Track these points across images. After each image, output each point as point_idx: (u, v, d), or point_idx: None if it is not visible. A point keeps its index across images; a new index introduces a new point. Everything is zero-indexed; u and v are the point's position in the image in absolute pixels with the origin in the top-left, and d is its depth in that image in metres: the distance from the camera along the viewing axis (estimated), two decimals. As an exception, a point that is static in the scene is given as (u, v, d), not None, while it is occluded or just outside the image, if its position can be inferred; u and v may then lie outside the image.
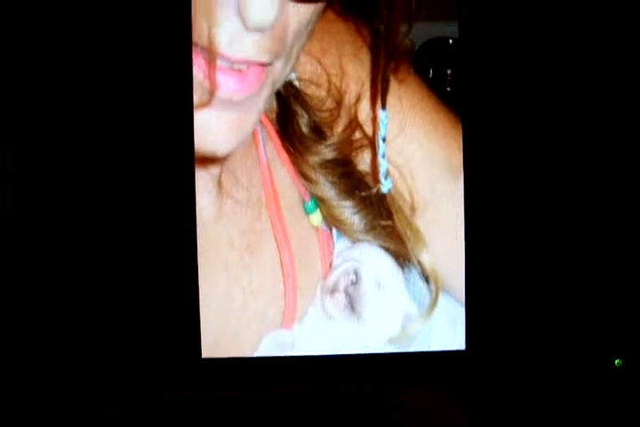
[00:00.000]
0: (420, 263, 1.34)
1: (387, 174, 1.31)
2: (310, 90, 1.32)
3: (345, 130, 1.32)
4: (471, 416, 1.33)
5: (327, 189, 1.32)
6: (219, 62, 1.23)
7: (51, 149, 1.32)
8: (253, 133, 1.30)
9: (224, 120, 1.26)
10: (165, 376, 1.33)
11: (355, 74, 1.33)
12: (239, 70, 1.23)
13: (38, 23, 1.31)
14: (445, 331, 1.36)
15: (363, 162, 1.34)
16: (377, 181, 1.32)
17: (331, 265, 1.34)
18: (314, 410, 1.33)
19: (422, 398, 1.36)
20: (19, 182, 1.32)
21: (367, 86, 1.33)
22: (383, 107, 1.31)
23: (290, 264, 1.32)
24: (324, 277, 1.33)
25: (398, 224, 1.33)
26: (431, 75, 1.36)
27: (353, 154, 1.33)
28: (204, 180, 1.30)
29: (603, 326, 1.36)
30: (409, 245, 1.34)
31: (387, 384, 1.36)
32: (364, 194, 1.33)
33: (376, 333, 1.35)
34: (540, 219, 1.35)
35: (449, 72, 1.36)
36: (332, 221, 1.33)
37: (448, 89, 1.36)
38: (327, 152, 1.32)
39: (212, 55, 1.23)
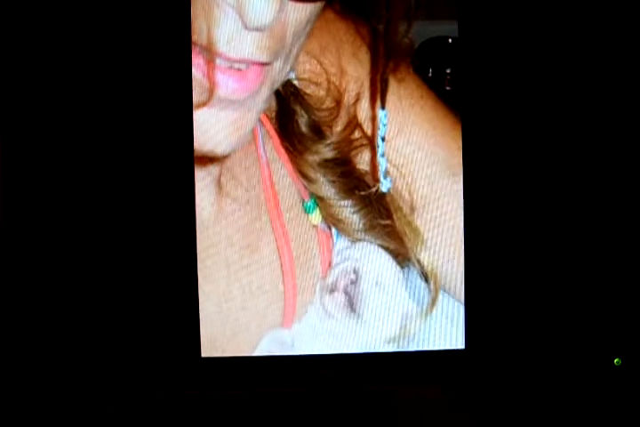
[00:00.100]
0: (419, 262, 1.33)
1: (386, 174, 1.30)
2: (310, 89, 1.31)
3: (344, 129, 1.31)
4: (470, 416, 1.32)
5: (326, 189, 1.31)
6: (218, 62, 1.22)
7: (50, 149, 1.31)
8: (253, 133, 1.29)
9: (223, 119, 1.25)
10: (165, 375, 1.32)
11: (354, 73, 1.32)
12: (238, 70, 1.22)
13: (37, 23, 1.30)
14: (445, 330, 1.35)
15: (362, 161, 1.32)
16: (376, 180, 1.31)
17: (330, 264, 1.33)
18: (313, 409, 1.31)
19: (421, 397, 1.35)
20: (18, 182, 1.31)
21: (366, 86, 1.32)
22: (382, 106, 1.30)
23: (289, 263, 1.30)
24: (324, 277, 1.32)
25: (398, 223, 1.32)
26: (430, 74, 1.34)
27: (352, 153, 1.32)
28: (203, 179, 1.28)
29: (602, 325, 1.35)
30: (408, 245, 1.32)
31: (386, 383, 1.34)
32: (363, 193, 1.31)
33: (375, 332, 1.34)
34: (540, 218, 1.34)
35: (448, 71, 1.35)
36: (331, 220, 1.32)
37: (447, 88, 1.35)
38: (326, 151, 1.31)
39: (211, 55, 1.22)
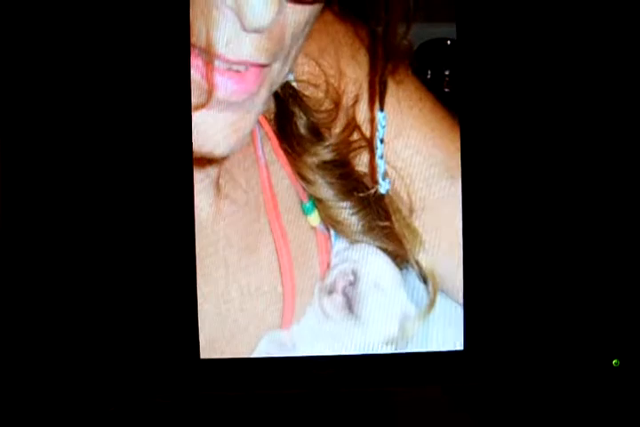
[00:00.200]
0: (417, 264, 1.32)
1: (385, 175, 1.30)
2: (308, 91, 1.30)
3: (343, 131, 1.30)
4: (470, 416, 1.31)
5: (325, 190, 1.30)
6: (216, 63, 1.21)
7: (50, 150, 1.30)
8: (251, 134, 1.28)
9: (222, 121, 1.24)
10: (164, 377, 1.31)
11: (353, 75, 1.31)
12: (237, 71, 1.21)
13: (37, 25, 1.29)
14: (443, 331, 1.34)
15: (361, 163, 1.31)
16: (375, 182, 1.30)
17: (329, 266, 1.32)
18: (312, 411, 1.30)
19: (421, 397, 1.33)
20: (18, 183, 1.30)
21: (365, 87, 1.31)
22: (381, 108, 1.29)
23: (288, 265, 1.29)
24: (322, 278, 1.31)
25: (396, 225, 1.31)
26: (429, 76, 1.33)
27: (351, 155, 1.31)
28: (202, 181, 1.27)
29: (600, 326, 1.34)
30: (407, 246, 1.32)
31: (385, 385, 1.33)
32: (362, 195, 1.30)
33: (374, 333, 1.33)
34: (538, 219, 1.33)
35: (447, 73, 1.34)
36: (330, 221, 1.31)
37: (446, 90, 1.33)
38: (325, 153, 1.30)
39: (209, 56, 1.21)
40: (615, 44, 1.33)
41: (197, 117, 1.24)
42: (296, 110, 1.29)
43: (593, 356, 1.34)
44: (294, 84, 1.29)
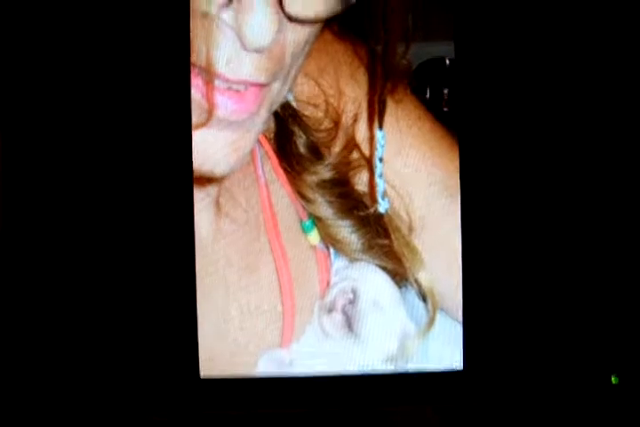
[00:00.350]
0: (417, 282, 1.30)
1: (384, 194, 1.28)
2: (308, 110, 1.28)
3: (342, 150, 1.29)
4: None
5: (325, 209, 1.28)
6: (217, 83, 1.19)
7: (52, 168, 1.28)
8: (251, 153, 1.26)
9: (222, 140, 1.22)
10: (164, 396, 1.28)
11: (352, 94, 1.29)
12: (237, 91, 1.19)
13: (42, 43, 1.27)
14: (443, 349, 1.32)
15: (360, 182, 1.30)
16: (374, 200, 1.29)
17: (328, 284, 1.30)
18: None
19: (419, 417, 1.31)
20: (18, 199, 1.28)
21: (364, 107, 1.29)
22: (380, 127, 1.28)
23: (288, 284, 1.28)
24: (322, 297, 1.29)
25: (396, 243, 1.30)
26: (428, 95, 1.31)
27: (350, 174, 1.29)
28: (202, 200, 1.25)
29: (599, 347, 1.32)
30: (406, 265, 1.30)
31: (384, 404, 1.31)
32: (361, 213, 1.29)
33: (373, 351, 1.31)
34: (537, 238, 1.32)
35: (446, 92, 1.32)
36: (329, 240, 1.29)
37: (445, 109, 1.32)
38: (325, 172, 1.28)
39: (210, 75, 1.19)
40: (614, 64, 1.31)
41: (198, 136, 1.22)
42: (296, 130, 1.28)
43: (593, 377, 1.32)
44: (294, 103, 1.28)
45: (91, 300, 1.28)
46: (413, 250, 1.30)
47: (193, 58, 1.21)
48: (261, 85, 1.19)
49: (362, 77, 1.30)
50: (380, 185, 1.28)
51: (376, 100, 1.29)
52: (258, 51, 1.16)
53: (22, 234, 1.29)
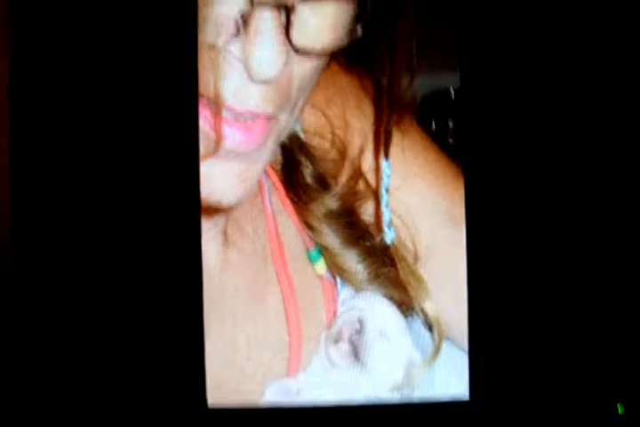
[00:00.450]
0: (423, 312, 1.29)
1: (390, 224, 1.27)
2: (315, 141, 1.27)
3: (349, 180, 1.28)
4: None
5: (331, 239, 1.28)
6: (224, 114, 1.18)
7: (59, 198, 1.27)
8: (258, 184, 1.25)
9: (230, 171, 1.21)
10: (171, 424, 1.26)
11: (358, 125, 1.29)
12: (245, 122, 1.18)
13: (54, 80, 1.26)
14: (449, 379, 1.31)
15: (366, 212, 1.29)
16: (380, 230, 1.28)
17: (335, 314, 1.29)
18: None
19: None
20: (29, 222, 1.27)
21: (370, 137, 1.29)
22: (386, 158, 1.27)
23: (295, 314, 1.27)
24: (329, 326, 1.28)
25: (402, 273, 1.29)
26: (433, 126, 1.31)
27: (357, 204, 1.29)
28: (209, 230, 1.24)
29: (606, 375, 1.31)
30: (412, 294, 1.29)
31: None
32: (367, 243, 1.28)
33: (380, 380, 1.30)
34: (543, 269, 1.30)
35: (451, 123, 1.31)
36: (336, 269, 1.29)
37: (450, 140, 1.31)
38: (331, 202, 1.27)
39: (217, 107, 1.18)
40: (625, 95, 1.31)
41: (205, 167, 1.21)
42: (302, 160, 1.27)
43: (600, 406, 1.31)
44: (301, 134, 1.27)
45: (98, 328, 1.27)
46: (419, 279, 1.29)
47: (201, 89, 1.20)
48: (269, 117, 1.17)
49: (368, 108, 1.29)
50: (386, 215, 1.27)
51: (382, 130, 1.28)
52: (265, 82, 1.15)
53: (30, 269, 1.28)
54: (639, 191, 1.32)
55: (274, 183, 1.27)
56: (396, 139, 1.29)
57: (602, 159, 1.32)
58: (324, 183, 1.28)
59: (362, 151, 1.28)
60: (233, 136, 1.18)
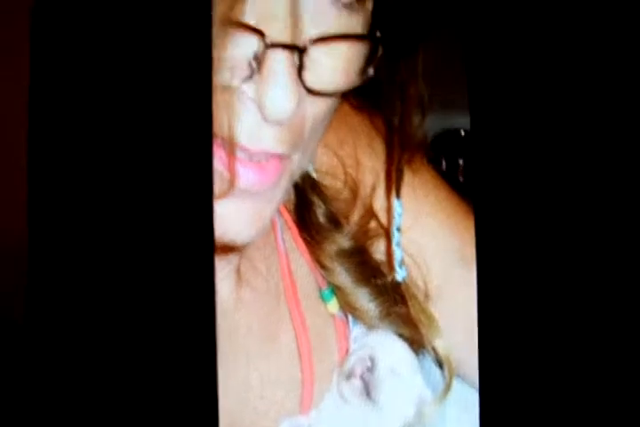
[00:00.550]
0: (434, 349, 1.29)
1: (401, 263, 1.26)
2: (327, 181, 1.27)
3: (361, 220, 1.28)
4: None
5: (343, 277, 1.27)
6: (238, 154, 1.17)
7: (73, 236, 1.26)
8: (271, 223, 1.24)
9: (244, 210, 1.19)
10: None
11: (369, 164, 1.29)
12: (258, 162, 1.16)
13: (69, 119, 1.26)
14: (459, 416, 1.30)
15: (378, 250, 1.29)
16: (392, 269, 1.27)
17: (347, 352, 1.28)
18: None
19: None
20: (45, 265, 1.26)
21: (382, 176, 1.29)
22: (398, 196, 1.27)
23: (307, 352, 1.26)
24: (341, 364, 1.28)
25: (413, 311, 1.28)
26: (444, 165, 1.31)
27: (368, 243, 1.29)
28: (223, 268, 1.23)
29: (622, 409, 1.29)
30: (423, 332, 1.28)
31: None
32: (379, 282, 1.28)
33: (391, 418, 1.28)
34: (554, 310, 1.29)
35: (461, 163, 1.32)
36: (348, 308, 1.28)
37: (460, 178, 1.31)
38: (344, 241, 1.27)
39: (231, 146, 1.17)
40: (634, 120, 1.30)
41: (219, 206, 1.20)
42: (315, 200, 1.27)
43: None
44: (313, 174, 1.27)
45: (110, 366, 1.26)
46: (430, 317, 1.28)
47: (215, 129, 1.19)
48: (282, 157, 1.16)
49: (379, 147, 1.30)
50: (398, 254, 1.27)
51: (393, 169, 1.28)
52: (278, 123, 1.14)
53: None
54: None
55: (286, 222, 1.27)
56: (407, 177, 1.28)
57: (619, 198, 1.31)
58: (336, 222, 1.28)
59: (373, 190, 1.28)
60: (247, 176, 1.17)
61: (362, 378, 1.27)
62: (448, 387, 1.29)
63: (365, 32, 1.14)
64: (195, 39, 1.18)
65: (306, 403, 1.26)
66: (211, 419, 1.22)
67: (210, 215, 1.20)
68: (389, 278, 1.27)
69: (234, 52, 1.10)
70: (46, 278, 1.22)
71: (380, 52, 1.18)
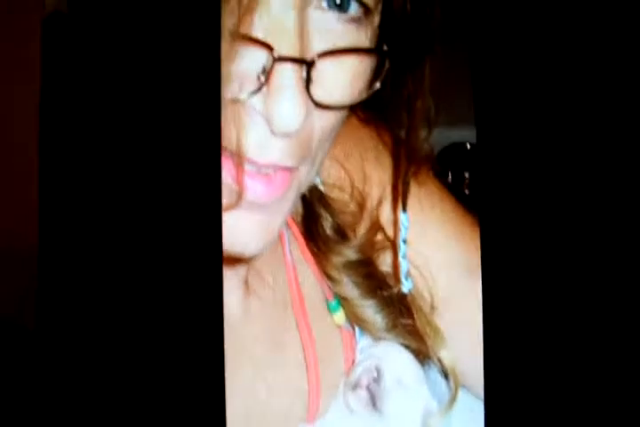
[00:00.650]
0: (439, 360, 1.28)
1: (407, 275, 1.26)
2: (334, 193, 1.27)
3: (367, 232, 1.28)
4: None
5: (350, 289, 1.27)
6: (247, 166, 1.16)
7: (83, 245, 1.26)
8: (279, 235, 1.24)
9: (252, 222, 1.19)
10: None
11: (376, 177, 1.29)
12: (266, 174, 1.16)
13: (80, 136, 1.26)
14: (465, 425, 1.28)
15: (384, 262, 1.29)
16: (398, 281, 1.27)
17: (353, 362, 1.28)
18: None
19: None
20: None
21: (388, 189, 1.29)
22: (404, 209, 1.27)
23: (314, 363, 1.25)
24: (347, 375, 1.27)
25: (418, 322, 1.28)
26: (450, 178, 1.31)
27: (375, 255, 1.28)
28: (230, 279, 1.23)
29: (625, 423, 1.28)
30: (429, 343, 1.28)
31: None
32: (385, 294, 1.27)
33: (396, 428, 1.27)
34: (559, 319, 1.28)
35: (467, 175, 1.31)
36: (354, 319, 1.28)
37: (466, 192, 1.31)
38: (350, 253, 1.27)
39: (239, 159, 1.16)
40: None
41: (228, 218, 1.20)
42: (322, 212, 1.27)
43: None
44: (321, 186, 1.27)
45: (118, 377, 1.26)
46: (435, 329, 1.28)
47: (224, 142, 1.19)
48: (290, 169, 1.15)
49: (386, 160, 1.29)
50: (404, 266, 1.26)
51: (400, 182, 1.27)
52: (286, 136, 1.13)
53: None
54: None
55: (294, 234, 1.27)
56: (414, 190, 1.28)
57: (624, 211, 1.30)
58: (343, 235, 1.27)
59: (380, 203, 1.28)
60: (255, 188, 1.16)
61: (368, 389, 1.27)
62: (454, 398, 1.28)
63: (372, 46, 1.14)
64: (203, 53, 1.18)
65: (312, 413, 1.26)
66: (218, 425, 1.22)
67: (218, 227, 1.20)
68: (395, 290, 1.27)
69: (242, 65, 1.09)
70: (56, 284, 1.23)
71: (387, 65, 1.18)
